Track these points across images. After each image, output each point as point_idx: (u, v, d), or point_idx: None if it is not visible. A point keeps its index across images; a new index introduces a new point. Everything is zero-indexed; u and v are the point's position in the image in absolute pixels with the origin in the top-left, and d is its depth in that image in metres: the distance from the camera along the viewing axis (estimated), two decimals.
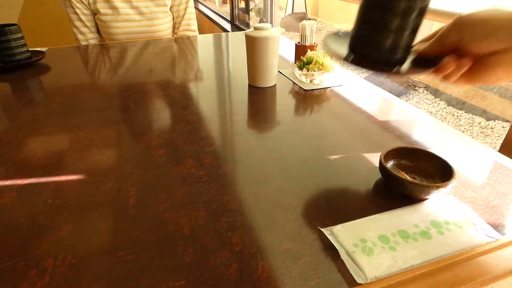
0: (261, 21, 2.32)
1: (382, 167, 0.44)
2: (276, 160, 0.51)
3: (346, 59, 0.42)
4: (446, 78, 0.41)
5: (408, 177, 0.44)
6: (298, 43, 0.87)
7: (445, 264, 0.33)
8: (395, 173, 0.42)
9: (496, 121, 2.57)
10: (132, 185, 0.45)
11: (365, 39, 0.41)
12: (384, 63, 0.41)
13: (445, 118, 2.76)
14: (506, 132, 0.69)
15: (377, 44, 0.40)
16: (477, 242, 0.36)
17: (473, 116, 2.71)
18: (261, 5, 2.12)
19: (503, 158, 0.52)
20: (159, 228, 0.38)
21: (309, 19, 1.05)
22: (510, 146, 0.68)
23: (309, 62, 0.79)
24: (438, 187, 0.40)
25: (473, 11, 0.39)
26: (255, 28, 0.74)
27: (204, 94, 0.77)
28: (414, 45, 0.42)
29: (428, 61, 0.42)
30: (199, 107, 0.70)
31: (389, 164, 0.46)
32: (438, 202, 0.42)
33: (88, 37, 1.36)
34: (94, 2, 1.28)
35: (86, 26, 1.34)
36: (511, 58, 0.36)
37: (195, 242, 0.36)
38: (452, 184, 0.41)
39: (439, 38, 0.41)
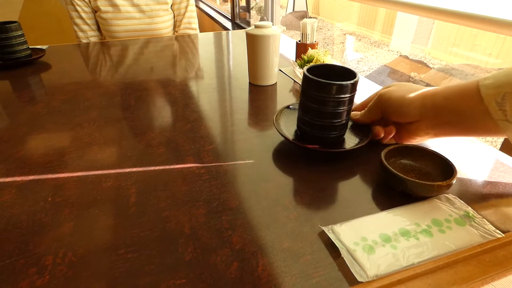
0: (262, 19, 2.31)
1: (383, 165, 0.44)
2: (277, 158, 0.51)
3: (292, 140, 0.50)
4: (381, 140, 0.52)
5: (409, 175, 0.44)
6: (299, 41, 0.87)
7: (446, 262, 0.33)
8: (396, 171, 0.42)
9: None
10: (132, 183, 0.45)
11: (308, 123, 0.50)
12: (325, 141, 0.50)
13: None
14: None
15: (318, 127, 0.49)
16: (478, 240, 0.36)
17: None
18: (262, 4, 2.12)
19: (504, 157, 0.52)
20: (159, 226, 0.38)
21: (310, 17, 1.05)
22: (511, 144, 0.67)
23: (310, 60, 0.78)
24: (439, 186, 0.40)
25: (389, 89, 0.49)
26: (256, 26, 0.73)
27: (204, 92, 0.77)
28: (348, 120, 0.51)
29: (363, 127, 0.54)
30: (199, 105, 0.70)
31: (390, 162, 0.46)
32: (439, 201, 0.41)
33: (88, 34, 1.36)
34: (95, 0, 1.28)
35: (87, 24, 1.34)
36: (425, 127, 0.46)
37: (196, 240, 0.36)
38: (453, 183, 0.40)
39: (368, 110, 0.52)
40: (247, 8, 2.43)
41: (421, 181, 0.40)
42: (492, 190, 0.44)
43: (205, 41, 1.25)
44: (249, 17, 2.44)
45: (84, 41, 1.35)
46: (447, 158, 0.44)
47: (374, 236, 0.36)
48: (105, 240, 0.36)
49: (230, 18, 2.56)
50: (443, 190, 0.41)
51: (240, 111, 0.68)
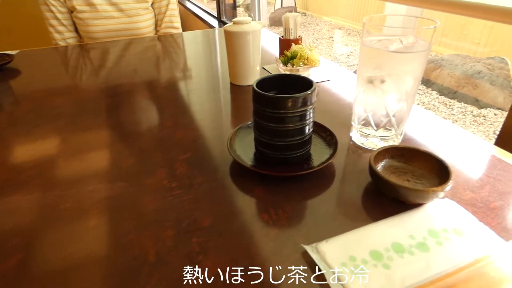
0: (249, 17, 2.27)
1: (372, 170, 0.40)
2: (255, 168, 0.46)
3: (252, 165, 0.44)
4: None
5: (401, 179, 0.40)
6: (282, 37, 0.83)
7: (446, 281, 0.29)
8: (387, 176, 0.38)
9: (488, 109, 2.56)
10: (94, 203, 0.40)
11: (264, 143, 0.44)
12: (290, 160, 0.44)
13: (437, 108, 2.73)
14: (500, 121, 0.65)
15: (274, 146, 0.43)
16: (480, 251, 0.32)
17: (465, 104, 2.69)
18: (249, 1, 2.07)
19: (502, 152, 0.48)
20: (120, 254, 0.33)
21: (299, 13, 1.00)
22: (506, 138, 0.64)
23: (293, 57, 0.74)
24: (434, 191, 0.36)
25: None
26: (234, 23, 0.69)
27: (183, 95, 0.72)
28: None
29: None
30: (177, 109, 0.65)
31: (380, 166, 0.42)
32: (434, 207, 0.38)
33: (65, 36, 1.29)
34: None
35: (63, 25, 1.27)
36: None
37: (161, 269, 0.31)
38: (449, 187, 0.37)
39: None
40: (234, 6, 2.38)
41: (414, 187, 0.37)
42: (491, 191, 0.40)
43: (187, 40, 1.20)
44: (236, 15, 2.39)
45: (61, 43, 1.29)
46: (441, 158, 0.40)
47: (364, 254, 0.32)
48: (57, 271, 0.32)
49: (216, 16, 2.50)
50: (439, 196, 0.37)
51: (220, 114, 0.63)
